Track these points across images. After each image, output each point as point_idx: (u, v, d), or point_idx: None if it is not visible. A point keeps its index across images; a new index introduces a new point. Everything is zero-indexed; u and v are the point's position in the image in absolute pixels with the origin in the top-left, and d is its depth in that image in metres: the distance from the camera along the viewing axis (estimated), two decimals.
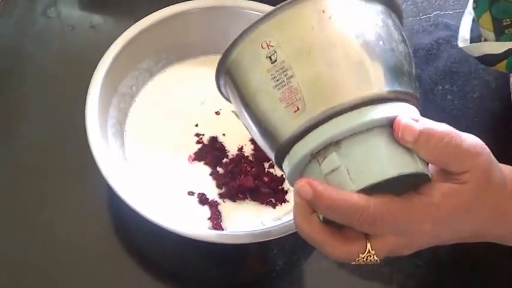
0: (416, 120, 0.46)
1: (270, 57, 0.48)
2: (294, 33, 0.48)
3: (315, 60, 0.47)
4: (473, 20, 0.79)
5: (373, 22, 0.49)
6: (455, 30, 0.91)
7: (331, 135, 0.46)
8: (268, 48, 0.48)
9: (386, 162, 0.46)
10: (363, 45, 0.47)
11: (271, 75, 0.48)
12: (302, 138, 0.47)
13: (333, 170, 0.46)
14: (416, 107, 0.49)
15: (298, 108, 0.47)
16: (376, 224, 0.45)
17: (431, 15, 0.95)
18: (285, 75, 0.47)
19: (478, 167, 0.47)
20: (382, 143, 0.46)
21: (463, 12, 0.91)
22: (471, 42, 0.78)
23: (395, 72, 0.48)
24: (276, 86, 0.47)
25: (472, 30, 0.79)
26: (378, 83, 0.47)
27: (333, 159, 0.46)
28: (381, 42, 0.48)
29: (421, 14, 0.94)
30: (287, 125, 0.48)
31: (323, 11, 0.48)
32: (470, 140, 0.47)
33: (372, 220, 0.45)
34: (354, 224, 0.46)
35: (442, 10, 0.95)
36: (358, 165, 0.46)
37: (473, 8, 0.76)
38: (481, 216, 0.49)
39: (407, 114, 0.46)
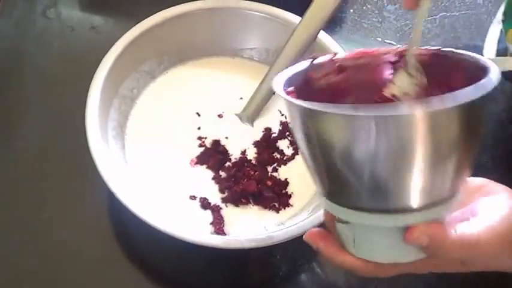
0: (431, 233, 0.45)
1: (306, 136, 0.45)
2: (330, 137, 0.44)
3: (345, 166, 0.44)
4: (501, 31, 0.77)
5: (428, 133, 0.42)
6: (461, 32, 0.92)
7: (343, 217, 0.48)
8: (308, 128, 0.45)
9: (389, 250, 0.48)
10: (399, 163, 0.43)
11: (307, 150, 0.46)
12: (326, 199, 0.48)
13: (343, 234, 0.49)
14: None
15: (323, 188, 0.48)
16: (375, 276, 0.50)
17: (437, 16, 0.94)
18: (316, 160, 0.46)
19: (491, 252, 0.47)
20: (390, 234, 0.47)
21: (468, 14, 0.93)
22: (498, 53, 0.76)
23: (433, 185, 0.45)
24: (311, 159, 0.47)
25: (499, 41, 0.77)
26: (402, 200, 0.45)
27: (342, 228, 0.49)
28: (429, 159, 0.43)
29: (426, 16, 0.93)
30: (317, 185, 0.49)
31: (367, 130, 0.42)
32: (485, 231, 0.46)
33: (370, 275, 0.49)
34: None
35: (448, 12, 0.95)
36: (363, 242, 0.48)
37: (502, 21, 0.75)
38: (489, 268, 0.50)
39: (421, 226, 0.45)
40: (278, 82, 0.48)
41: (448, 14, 0.94)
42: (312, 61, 0.52)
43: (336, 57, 0.52)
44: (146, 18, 0.75)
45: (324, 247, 0.50)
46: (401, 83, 0.51)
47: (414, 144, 0.42)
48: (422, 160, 0.42)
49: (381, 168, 0.43)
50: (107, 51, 0.72)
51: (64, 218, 0.72)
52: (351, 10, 0.93)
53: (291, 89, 0.48)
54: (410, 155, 0.42)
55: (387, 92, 0.51)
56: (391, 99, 0.51)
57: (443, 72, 0.50)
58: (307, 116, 0.44)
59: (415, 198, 0.44)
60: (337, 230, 0.50)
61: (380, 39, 0.90)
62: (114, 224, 0.72)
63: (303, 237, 0.51)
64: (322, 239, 0.50)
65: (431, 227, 0.45)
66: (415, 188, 0.44)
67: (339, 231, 0.50)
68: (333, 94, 0.52)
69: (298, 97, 0.46)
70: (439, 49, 0.50)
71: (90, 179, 0.68)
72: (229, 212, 0.70)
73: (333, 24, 0.89)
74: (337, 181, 0.46)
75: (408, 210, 0.45)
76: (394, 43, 0.90)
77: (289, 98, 0.45)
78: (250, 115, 0.76)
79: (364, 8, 0.94)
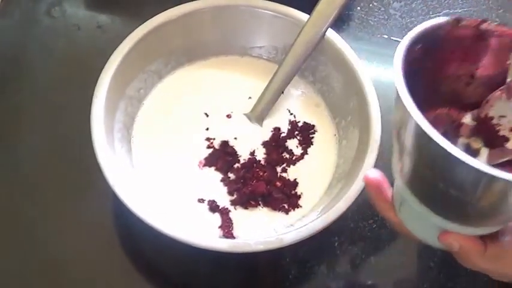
0: (463, 244, 0.47)
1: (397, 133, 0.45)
2: (434, 159, 0.42)
3: (429, 179, 0.43)
4: None
5: None
6: None
7: (401, 192, 0.48)
8: (415, 139, 0.42)
9: (424, 231, 0.50)
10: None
11: (404, 143, 0.44)
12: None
13: (396, 193, 0.51)
14: None
15: (399, 165, 0.47)
16: (406, 237, 0.52)
17: (441, 13, 0.90)
18: (407, 154, 0.44)
19: None
20: (430, 224, 0.48)
21: (470, 11, 0.90)
22: None
23: (492, 221, 0.46)
24: (402, 149, 0.45)
25: None
26: (456, 217, 0.45)
27: (397, 189, 0.50)
28: None
29: (431, 13, 0.90)
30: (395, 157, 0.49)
31: None
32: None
33: (403, 235, 0.52)
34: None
35: (451, 9, 0.91)
36: (406, 212, 0.50)
37: None
38: None
39: (457, 234, 0.47)
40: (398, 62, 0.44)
41: (450, 11, 0.90)
42: (457, 19, 0.48)
43: (484, 25, 0.48)
44: (153, 16, 0.70)
45: (375, 196, 0.52)
46: (498, 106, 0.49)
47: (506, 199, 0.41)
48: (500, 209, 0.43)
49: (461, 198, 0.42)
50: (113, 51, 0.67)
51: (68, 226, 0.68)
52: (358, 8, 0.89)
53: (419, 46, 0.45)
54: (494, 204, 0.42)
55: (482, 113, 0.49)
56: (486, 120, 0.49)
57: None
58: (421, 134, 0.40)
59: (468, 221, 0.45)
60: (394, 184, 0.51)
61: (386, 37, 0.87)
62: (120, 230, 0.68)
63: (363, 178, 0.53)
64: (376, 188, 0.52)
65: (466, 238, 0.46)
66: (475, 217, 0.45)
67: (394, 188, 0.51)
68: (459, 59, 0.50)
69: (425, 53, 0.46)
70: None
71: (95, 184, 0.64)
72: (238, 215, 0.65)
73: (340, 21, 0.86)
74: (414, 175, 0.45)
75: (456, 222, 0.46)
76: (401, 40, 0.85)
77: (409, 107, 0.41)
78: (259, 115, 0.72)
79: (371, 5, 0.90)
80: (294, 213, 0.66)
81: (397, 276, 0.68)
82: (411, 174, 0.45)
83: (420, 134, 0.40)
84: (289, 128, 0.72)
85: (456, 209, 0.44)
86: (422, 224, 0.49)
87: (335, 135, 0.72)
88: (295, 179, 0.68)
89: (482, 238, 0.47)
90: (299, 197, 0.67)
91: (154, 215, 0.58)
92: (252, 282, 0.67)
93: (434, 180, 0.42)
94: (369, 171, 0.52)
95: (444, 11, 0.90)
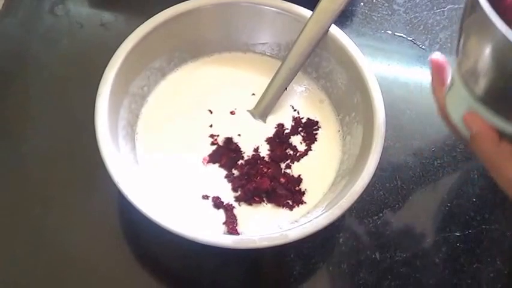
0: (483, 130, 0.50)
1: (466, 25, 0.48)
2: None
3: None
4: None
5: None
6: None
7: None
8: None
9: (456, 110, 0.53)
10: None
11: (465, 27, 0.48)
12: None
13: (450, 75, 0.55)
14: None
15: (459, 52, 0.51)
16: (443, 121, 0.57)
17: (445, 9, 0.90)
18: (473, 48, 0.48)
19: None
20: (463, 104, 0.51)
21: None
22: None
23: None
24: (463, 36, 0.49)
25: None
26: (494, 101, 0.49)
27: (450, 79, 0.54)
28: None
29: (435, 8, 0.90)
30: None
31: None
32: None
33: (442, 120, 0.57)
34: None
35: (456, 4, 0.91)
36: (453, 94, 0.53)
37: None
38: None
39: (482, 119, 0.50)
40: None
41: (455, 7, 0.90)
42: None
43: None
44: (156, 14, 0.70)
45: (434, 75, 0.57)
46: None
47: None
48: None
49: None
50: (117, 49, 0.67)
51: (73, 223, 0.68)
52: (361, 3, 0.89)
53: None
54: None
55: None
56: None
57: None
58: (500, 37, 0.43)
59: (501, 107, 0.48)
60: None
61: (390, 32, 0.86)
62: (125, 227, 0.68)
63: (429, 60, 0.57)
64: (437, 68, 0.56)
65: (488, 127, 0.50)
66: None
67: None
68: None
69: None
70: None
71: (100, 182, 0.64)
72: (242, 211, 0.66)
73: (343, 17, 0.86)
74: (473, 67, 0.48)
75: (491, 108, 0.49)
76: (405, 36, 0.86)
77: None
78: (263, 111, 0.72)
79: (374, 1, 0.89)
80: (298, 210, 0.66)
81: (402, 272, 0.67)
82: (470, 65, 0.48)
83: (497, 37, 0.42)
84: (293, 124, 0.72)
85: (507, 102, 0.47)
86: (458, 103, 0.52)
87: (339, 131, 0.72)
88: (299, 175, 0.68)
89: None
90: (303, 193, 0.67)
91: (159, 211, 0.58)
92: (257, 278, 0.67)
93: (497, 78, 0.46)
94: (435, 54, 0.56)
95: (448, 6, 0.90)
